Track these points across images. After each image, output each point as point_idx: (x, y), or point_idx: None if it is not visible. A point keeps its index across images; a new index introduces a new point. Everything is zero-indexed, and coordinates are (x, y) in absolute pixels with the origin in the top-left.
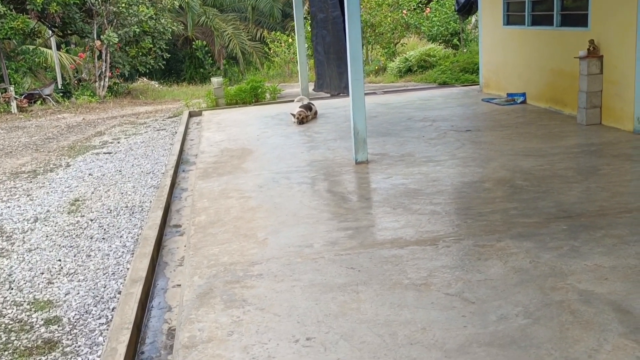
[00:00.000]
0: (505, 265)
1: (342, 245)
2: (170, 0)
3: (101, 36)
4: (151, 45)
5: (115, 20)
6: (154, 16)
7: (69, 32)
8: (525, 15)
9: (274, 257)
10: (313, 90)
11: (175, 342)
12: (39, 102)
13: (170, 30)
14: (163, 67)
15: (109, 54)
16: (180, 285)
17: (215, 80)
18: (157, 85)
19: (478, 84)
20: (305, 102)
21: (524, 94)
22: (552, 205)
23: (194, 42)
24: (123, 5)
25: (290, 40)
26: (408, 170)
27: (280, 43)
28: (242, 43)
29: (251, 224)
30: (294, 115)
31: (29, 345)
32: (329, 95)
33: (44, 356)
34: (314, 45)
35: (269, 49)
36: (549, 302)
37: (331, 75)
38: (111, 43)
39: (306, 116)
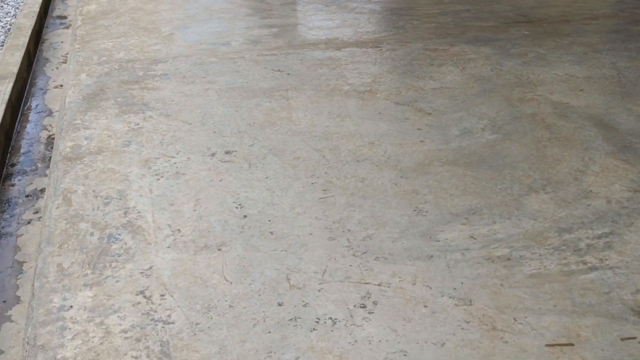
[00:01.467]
0: (463, 73)
1: (265, 44)
2: None
3: None
4: None
5: None
6: None
7: None
8: None
9: (182, 55)
10: None
11: (53, 153)
12: None
13: None
14: None
15: None
16: (63, 85)
17: None
18: None
19: None
20: None
21: None
22: (508, 9)
23: None
24: None
25: None
26: None
27: None
28: None
29: (153, 17)
30: None
31: None
32: None
33: None
34: None
35: None
36: (518, 115)
37: None
38: None
39: None
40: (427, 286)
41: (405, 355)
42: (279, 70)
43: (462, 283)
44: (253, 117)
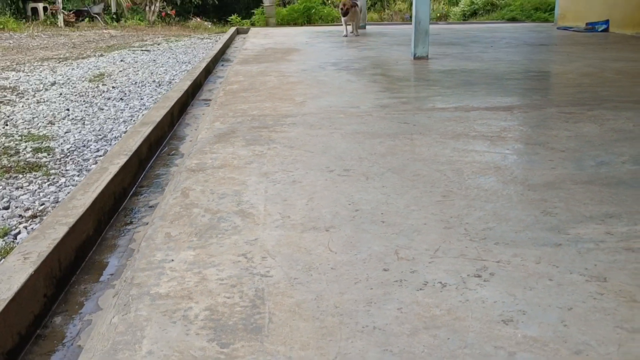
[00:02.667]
0: (602, 127)
1: (394, 108)
2: None
3: None
4: None
5: None
6: None
7: None
8: None
9: (311, 113)
10: None
11: (178, 167)
12: (87, 19)
13: None
14: (217, 2)
15: None
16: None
17: None
18: (210, 26)
19: (552, 22)
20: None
21: (606, 22)
22: None
23: None
24: None
25: None
26: (474, 64)
27: None
28: None
29: (289, 92)
30: (340, 9)
31: (8, 165)
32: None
33: (22, 174)
34: None
35: None
36: None
37: None
38: None
39: (352, 5)
40: (554, 265)
41: (524, 314)
42: (405, 123)
43: (595, 265)
44: (375, 150)
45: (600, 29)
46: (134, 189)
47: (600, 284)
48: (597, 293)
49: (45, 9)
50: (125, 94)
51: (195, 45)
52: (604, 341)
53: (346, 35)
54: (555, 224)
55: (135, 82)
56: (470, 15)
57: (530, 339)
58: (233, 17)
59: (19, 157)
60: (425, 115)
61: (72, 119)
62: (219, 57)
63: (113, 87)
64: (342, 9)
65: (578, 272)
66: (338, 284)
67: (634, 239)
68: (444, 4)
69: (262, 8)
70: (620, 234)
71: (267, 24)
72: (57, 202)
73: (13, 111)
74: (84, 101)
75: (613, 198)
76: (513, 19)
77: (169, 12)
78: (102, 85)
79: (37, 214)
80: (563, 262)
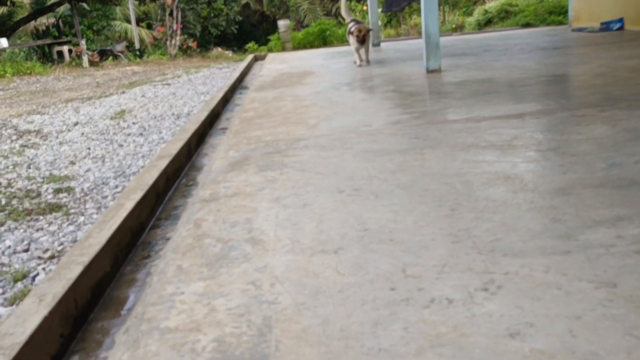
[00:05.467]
0: (614, 127)
1: (405, 123)
2: None
3: None
4: (223, 6)
5: None
6: None
7: None
8: None
9: (323, 135)
10: (381, 11)
11: (190, 199)
12: (110, 58)
13: None
14: (236, 31)
15: (179, 12)
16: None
17: (282, 23)
18: (230, 54)
19: (567, 24)
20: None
21: (621, 20)
22: None
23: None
24: None
25: (365, 8)
26: (486, 73)
27: (355, 13)
28: (317, 18)
29: (302, 116)
30: (352, 34)
31: (30, 208)
32: (398, 10)
33: (43, 216)
34: None
35: (344, 19)
36: None
37: None
38: None
39: (367, 31)
40: (562, 274)
41: (531, 326)
42: (415, 138)
43: (604, 271)
44: (384, 167)
45: (615, 28)
46: (152, 222)
47: (610, 290)
48: (606, 300)
49: (70, 51)
50: (145, 128)
51: (214, 75)
52: (613, 350)
53: (360, 65)
54: (565, 231)
55: (155, 117)
56: (485, 24)
57: (537, 352)
58: (250, 44)
59: (40, 199)
60: (436, 129)
61: (93, 157)
62: (237, 85)
63: (133, 123)
64: (357, 36)
65: (587, 279)
66: (345, 306)
67: None
68: (459, 15)
69: (278, 34)
70: (631, 237)
71: (283, 49)
72: (75, 241)
73: (36, 154)
74: (105, 139)
75: (624, 200)
76: (527, 25)
77: (190, 44)
78: (123, 121)
79: (56, 254)
80: (572, 269)
